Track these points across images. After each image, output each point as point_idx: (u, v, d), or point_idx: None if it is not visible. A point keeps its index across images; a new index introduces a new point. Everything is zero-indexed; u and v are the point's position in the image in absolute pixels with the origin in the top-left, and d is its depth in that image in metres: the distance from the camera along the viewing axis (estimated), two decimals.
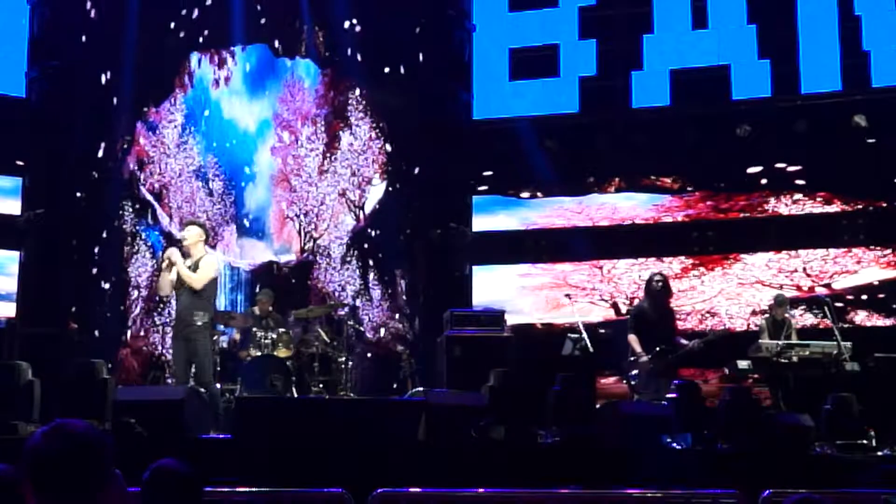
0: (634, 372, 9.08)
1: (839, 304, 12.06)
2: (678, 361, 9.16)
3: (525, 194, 14.01)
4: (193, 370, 8.64)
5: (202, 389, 8.30)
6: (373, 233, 13.66)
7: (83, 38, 12.96)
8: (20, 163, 13.13)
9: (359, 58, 13.53)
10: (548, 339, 12.61)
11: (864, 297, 12.66)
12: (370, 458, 6.53)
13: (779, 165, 13.20)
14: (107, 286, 13.11)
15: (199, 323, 8.39)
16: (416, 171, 13.59)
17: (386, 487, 5.47)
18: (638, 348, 9.05)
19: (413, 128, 13.60)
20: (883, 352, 9.66)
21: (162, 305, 13.15)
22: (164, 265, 8.63)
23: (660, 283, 9.35)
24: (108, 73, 13.04)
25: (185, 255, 8.61)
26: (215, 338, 9.79)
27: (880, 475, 6.74)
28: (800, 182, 13.17)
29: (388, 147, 13.80)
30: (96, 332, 12.76)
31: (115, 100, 13.14)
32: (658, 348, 8.96)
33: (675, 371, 9.18)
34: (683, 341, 9.18)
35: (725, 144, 13.18)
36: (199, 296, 8.47)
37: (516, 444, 7.30)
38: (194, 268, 8.51)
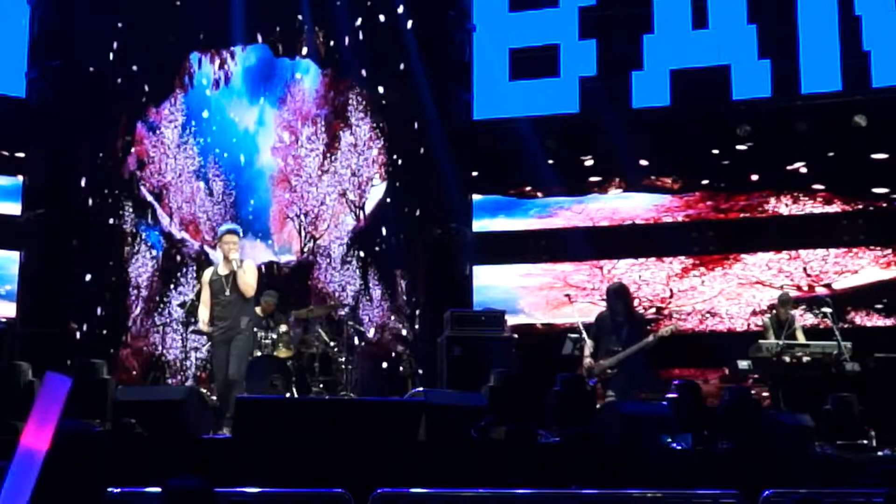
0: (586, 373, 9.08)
1: (839, 302, 12.03)
2: (638, 362, 8.95)
3: (525, 194, 14.01)
4: (228, 367, 8.69)
5: (211, 391, 8.37)
6: (373, 233, 13.65)
7: (83, 38, 12.95)
8: (20, 163, 13.13)
9: (359, 58, 13.53)
10: (548, 339, 12.61)
11: (864, 297, 12.65)
12: (370, 458, 6.52)
13: (779, 165, 13.20)
14: (107, 286, 13.09)
15: (244, 326, 8.71)
16: (417, 171, 13.58)
17: (386, 488, 5.47)
18: (586, 353, 9.07)
19: (413, 128, 13.60)
20: (883, 352, 9.66)
21: (162, 305, 13.15)
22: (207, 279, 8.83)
23: (608, 290, 9.42)
24: (108, 74, 13.03)
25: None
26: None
27: (880, 475, 6.73)
28: (800, 182, 13.17)
29: (389, 147, 13.79)
30: (96, 332, 12.76)
31: (114, 100, 13.14)
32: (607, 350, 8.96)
33: (641, 369, 8.98)
34: (649, 339, 9.06)
35: (725, 144, 13.18)
36: (247, 301, 8.76)
37: (516, 444, 7.29)
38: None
